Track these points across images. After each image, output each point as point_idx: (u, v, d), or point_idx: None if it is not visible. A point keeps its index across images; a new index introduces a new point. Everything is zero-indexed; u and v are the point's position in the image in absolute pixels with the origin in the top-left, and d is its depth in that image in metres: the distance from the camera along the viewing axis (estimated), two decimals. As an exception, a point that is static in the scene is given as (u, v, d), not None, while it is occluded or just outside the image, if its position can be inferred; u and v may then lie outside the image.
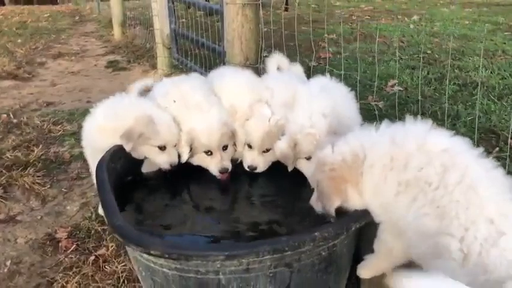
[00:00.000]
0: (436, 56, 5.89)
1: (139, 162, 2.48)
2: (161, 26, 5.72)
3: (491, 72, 5.00)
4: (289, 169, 2.32)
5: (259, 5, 3.67)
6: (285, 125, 2.41)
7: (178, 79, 2.74)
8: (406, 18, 9.17)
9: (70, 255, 2.54)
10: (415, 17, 9.28)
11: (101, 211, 2.91)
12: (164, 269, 1.67)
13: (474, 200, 1.48)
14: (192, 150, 2.40)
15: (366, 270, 1.90)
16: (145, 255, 1.70)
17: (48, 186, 3.32)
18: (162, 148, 2.41)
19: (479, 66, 5.15)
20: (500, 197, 1.50)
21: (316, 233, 1.58)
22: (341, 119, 2.31)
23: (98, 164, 2.18)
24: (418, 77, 4.84)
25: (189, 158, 2.42)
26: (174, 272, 1.65)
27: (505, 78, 4.78)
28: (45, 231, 2.83)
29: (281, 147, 2.30)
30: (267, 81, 2.66)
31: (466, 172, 1.54)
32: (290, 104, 2.45)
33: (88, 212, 2.97)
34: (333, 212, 1.74)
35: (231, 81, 2.60)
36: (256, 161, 2.48)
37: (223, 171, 2.40)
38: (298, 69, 3.00)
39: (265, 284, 1.65)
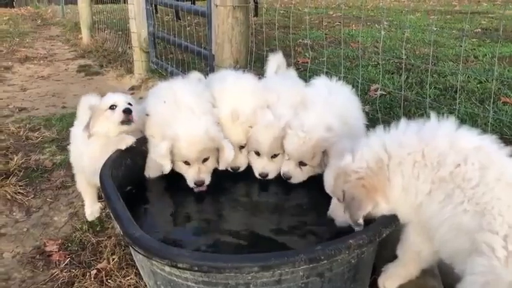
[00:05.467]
0: (412, 61, 5.99)
1: (140, 170, 2.36)
2: (138, 29, 5.56)
3: (468, 77, 5.11)
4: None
5: (249, 7, 3.62)
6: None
7: (175, 81, 2.65)
8: (376, 25, 9.32)
9: (65, 270, 2.38)
10: (385, 24, 9.45)
11: (90, 217, 2.77)
12: (189, 283, 1.57)
13: None
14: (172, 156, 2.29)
15: (391, 280, 1.84)
16: (166, 269, 1.60)
17: (32, 196, 3.13)
18: None
19: (455, 71, 5.26)
20: None
21: (351, 241, 1.53)
22: (348, 119, 2.29)
23: (101, 172, 2.07)
24: (399, 82, 4.91)
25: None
26: (200, 286, 1.56)
27: (482, 83, 4.90)
28: (33, 244, 2.65)
29: None
30: (270, 84, 2.60)
31: (503, 170, 1.53)
32: (297, 106, 2.40)
33: (78, 223, 2.79)
34: (362, 220, 1.68)
35: (234, 85, 2.51)
36: (267, 167, 2.42)
37: (198, 183, 2.29)
38: (291, 72, 2.94)
39: (296, 295, 1.58)
